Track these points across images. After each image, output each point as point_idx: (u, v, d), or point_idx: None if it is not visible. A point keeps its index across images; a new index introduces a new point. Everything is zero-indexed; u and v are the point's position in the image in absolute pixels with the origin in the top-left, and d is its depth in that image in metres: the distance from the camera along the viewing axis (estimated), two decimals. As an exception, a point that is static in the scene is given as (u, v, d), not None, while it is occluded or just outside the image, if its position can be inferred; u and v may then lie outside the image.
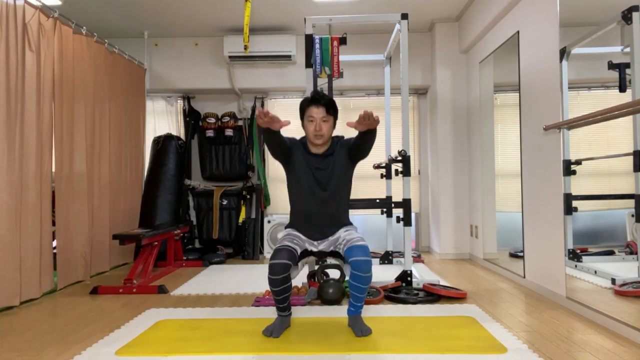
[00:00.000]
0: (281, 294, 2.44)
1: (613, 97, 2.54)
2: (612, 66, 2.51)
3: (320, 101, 2.53)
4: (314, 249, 2.65)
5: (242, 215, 5.36)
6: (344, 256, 2.52)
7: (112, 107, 4.61)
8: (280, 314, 2.56)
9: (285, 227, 2.72)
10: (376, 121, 2.31)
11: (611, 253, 2.65)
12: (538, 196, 3.42)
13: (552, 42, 3.17)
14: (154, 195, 5.09)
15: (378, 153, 5.46)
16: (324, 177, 2.59)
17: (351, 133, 2.62)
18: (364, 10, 4.79)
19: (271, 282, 2.39)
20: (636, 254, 2.40)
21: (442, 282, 3.70)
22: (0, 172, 3.10)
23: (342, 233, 2.63)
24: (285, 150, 2.58)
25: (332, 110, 2.56)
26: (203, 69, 5.58)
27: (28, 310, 3.14)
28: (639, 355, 2.14)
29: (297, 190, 2.64)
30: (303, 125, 2.61)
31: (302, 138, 2.68)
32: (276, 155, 2.59)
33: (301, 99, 2.65)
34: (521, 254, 3.72)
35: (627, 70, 2.39)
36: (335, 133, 2.69)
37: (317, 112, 2.52)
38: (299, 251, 2.56)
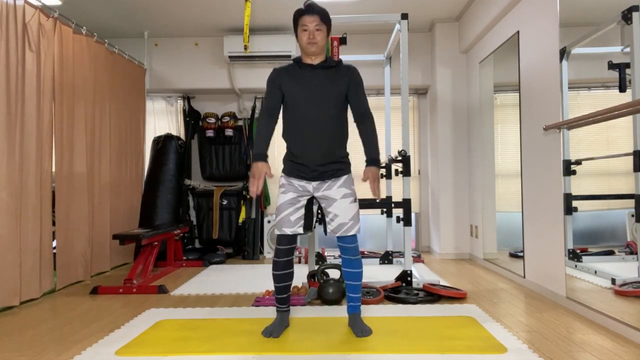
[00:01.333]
0: (282, 281, 2.51)
1: (613, 97, 2.54)
2: (612, 66, 2.51)
3: (314, 10, 2.48)
4: (311, 190, 2.52)
5: (242, 215, 5.36)
6: (331, 235, 2.55)
7: (112, 107, 4.61)
8: (280, 308, 2.57)
9: (280, 176, 2.59)
10: (379, 192, 2.55)
11: (611, 253, 2.65)
12: (538, 196, 3.42)
13: (552, 42, 3.17)
14: (154, 195, 5.09)
15: (378, 153, 5.46)
16: (317, 86, 2.49)
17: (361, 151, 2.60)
18: (364, 10, 4.79)
19: (275, 265, 2.51)
20: (636, 254, 2.40)
21: (442, 282, 3.70)
22: (0, 172, 3.11)
23: (337, 191, 2.50)
24: (277, 113, 2.57)
25: (325, 19, 2.51)
26: (203, 69, 5.58)
27: (28, 310, 3.14)
28: (639, 355, 2.14)
29: (290, 108, 2.53)
30: (297, 37, 2.55)
31: (288, 64, 2.60)
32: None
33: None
34: (521, 254, 3.72)
35: (627, 70, 2.39)
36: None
37: (310, 20, 2.47)
38: (302, 213, 2.50)
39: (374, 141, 2.57)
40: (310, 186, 2.51)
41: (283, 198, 2.51)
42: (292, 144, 2.53)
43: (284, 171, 2.57)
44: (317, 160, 2.47)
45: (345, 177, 2.54)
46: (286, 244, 2.50)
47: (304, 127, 2.48)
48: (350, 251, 2.52)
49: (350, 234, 2.49)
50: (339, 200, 2.49)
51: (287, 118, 2.56)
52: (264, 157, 2.48)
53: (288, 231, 2.47)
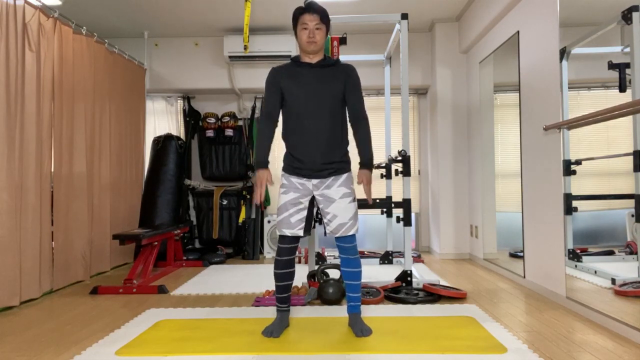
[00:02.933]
0: (283, 280, 2.52)
1: (613, 97, 2.54)
2: (612, 66, 2.51)
3: (313, 9, 2.49)
4: (311, 187, 2.52)
5: (242, 215, 5.36)
6: (330, 236, 2.56)
7: (112, 107, 4.61)
8: (280, 307, 2.57)
9: (281, 175, 2.59)
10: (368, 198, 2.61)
11: (611, 253, 2.65)
12: (538, 196, 3.42)
13: (552, 42, 3.17)
14: (154, 195, 5.09)
15: (378, 153, 5.45)
16: (316, 84, 2.50)
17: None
18: (364, 10, 4.79)
19: (276, 264, 2.53)
20: (636, 254, 2.40)
21: (442, 282, 3.70)
22: (0, 172, 3.11)
23: (336, 190, 2.50)
24: (277, 116, 2.58)
25: (325, 19, 2.52)
26: (203, 69, 5.58)
27: (28, 310, 3.14)
28: (639, 356, 2.14)
29: (290, 108, 2.53)
30: (296, 35, 2.55)
31: (286, 63, 2.61)
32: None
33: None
34: (521, 254, 3.72)
35: (627, 70, 2.39)
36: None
37: (310, 19, 2.48)
38: (303, 215, 2.50)
39: (367, 144, 2.58)
40: (310, 184, 2.51)
41: (284, 199, 2.51)
42: (292, 142, 2.53)
43: (284, 169, 2.57)
44: (317, 158, 2.48)
45: (345, 175, 2.54)
46: (288, 243, 2.51)
47: (304, 126, 2.48)
48: (349, 251, 2.53)
49: (350, 233, 2.50)
50: (338, 200, 2.49)
51: (286, 117, 2.56)
52: (265, 165, 2.51)
53: (287, 232, 2.48)
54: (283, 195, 2.52)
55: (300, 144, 2.49)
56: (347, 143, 2.59)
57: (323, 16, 2.50)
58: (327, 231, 2.53)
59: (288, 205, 2.49)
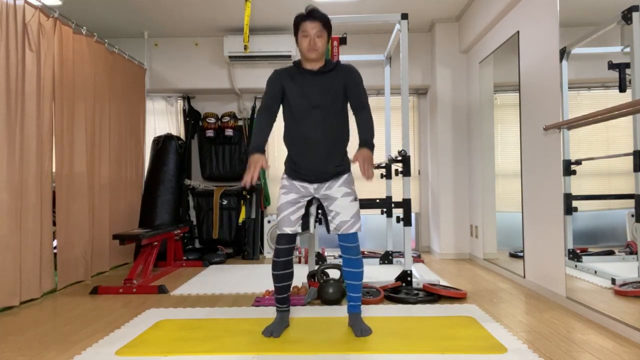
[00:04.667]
0: (282, 281, 2.51)
1: (613, 97, 2.54)
2: (612, 66, 2.51)
3: (315, 16, 2.47)
4: (312, 191, 2.53)
5: (242, 215, 5.36)
6: (334, 233, 2.54)
7: (112, 107, 4.61)
8: (279, 308, 2.57)
9: (282, 178, 2.60)
10: (371, 173, 2.34)
11: (611, 253, 2.65)
12: (538, 196, 3.42)
13: (552, 42, 3.17)
14: (154, 195, 5.09)
15: (378, 153, 5.46)
16: (318, 92, 2.49)
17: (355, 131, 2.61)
18: (364, 10, 4.79)
19: (275, 265, 2.51)
20: (636, 254, 2.40)
21: (442, 282, 3.70)
22: (0, 172, 3.11)
23: (337, 190, 2.51)
24: (276, 111, 2.56)
25: (326, 26, 2.51)
26: (203, 69, 5.58)
27: (28, 310, 3.14)
28: (639, 356, 2.14)
29: (291, 114, 2.53)
30: (297, 41, 2.54)
31: (288, 67, 2.60)
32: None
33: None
34: (521, 254, 3.72)
35: (627, 70, 2.39)
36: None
37: (311, 26, 2.47)
38: (301, 214, 2.51)
39: (369, 126, 2.50)
40: (312, 187, 2.53)
41: (285, 198, 2.52)
42: (293, 148, 2.54)
43: (285, 172, 2.59)
44: (318, 165, 2.49)
45: (345, 176, 2.54)
46: (285, 244, 2.51)
47: (305, 136, 2.49)
48: (352, 250, 2.53)
49: (352, 231, 2.50)
50: (340, 198, 2.50)
51: (288, 122, 2.57)
52: (261, 150, 2.46)
53: (288, 230, 2.49)
54: (284, 195, 2.53)
55: (302, 153, 2.51)
56: (347, 142, 2.58)
57: (324, 23, 2.50)
58: (331, 228, 2.55)
59: (288, 204, 2.51)
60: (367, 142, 2.45)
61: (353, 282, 2.54)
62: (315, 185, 2.53)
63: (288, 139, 2.56)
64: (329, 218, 2.54)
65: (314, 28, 2.47)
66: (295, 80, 2.53)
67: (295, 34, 2.55)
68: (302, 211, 2.54)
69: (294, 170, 2.54)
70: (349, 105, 2.58)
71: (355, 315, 2.54)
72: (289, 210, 2.50)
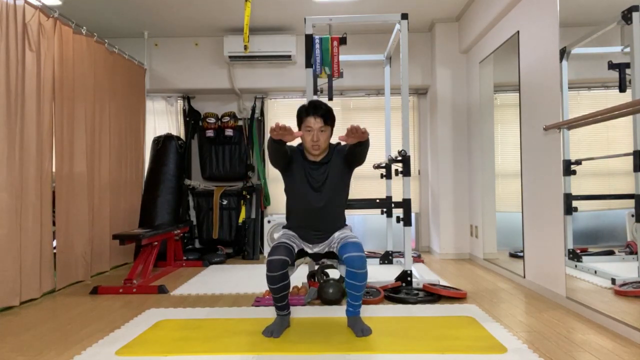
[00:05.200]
0: (279, 292, 2.46)
1: (613, 97, 2.54)
2: (612, 66, 2.51)
3: (318, 112, 2.52)
4: (310, 251, 2.69)
5: (242, 215, 5.36)
6: (338, 254, 2.57)
7: (112, 107, 4.61)
8: (279, 313, 2.57)
9: (282, 228, 2.75)
10: (365, 134, 2.32)
11: (611, 253, 2.65)
12: (538, 196, 3.42)
13: (552, 42, 3.17)
14: (154, 195, 5.09)
15: (378, 153, 5.46)
16: (321, 183, 2.60)
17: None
18: (364, 10, 4.79)
19: (269, 279, 2.41)
20: (636, 254, 2.40)
21: (442, 282, 3.70)
22: (0, 172, 3.11)
23: (336, 234, 2.66)
24: (288, 160, 2.60)
25: (329, 121, 2.56)
26: (203, 69, 5.58)
27: (28, 310, 3.14)
28: (639, 356, 2.14)
29: (294, 195, 2.66)
30: (299, 128, 2.62)
31: (299, 145, 2.68)
32: (277, 165, 2.58)
33: (300, 106, 2.63)
34: (521, 254, 3.72)
35: (627, 70, 2.39)
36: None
37: (314, 122, 2.51)
38: (295, 249, 2.59)
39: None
40: (309, 247, 2.69)
41: (285, 234, 2.65)
42: (294, 218, 2.69)
43: (287, 226, 2.74)
44: (317, 234, 2.65)
45: (342, 228, 2.71)
46: (281, 254, 2.44)
47: (305, 212, 2.63)
48: (359, 277, 2.43)
49: (353, 240, 2.50)
50: (337, 233, 2.66)
51: (289, 195, 2.69)
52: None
53: (288, 242, 2.55)
54: (284, 231, 2.70)
55: (302, 223, 2.66)
56: (345, 206, 2.75)
57: (327, 118, 2.55)
58: (336, 250, 2.60)
59: (284, 237, 2.61)
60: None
61: (355, 292, 2.50)
62: (314, 244, 2.68)
63: (288, 205, 2.71)
64: (335, 250, 2.63)
65: (317, 124, 2.53)
66: (300, 165, 2.62)
67: (299, 125, 2.62)
68: (296, 249, 2.61)
69: (294, 231, 2.69)
70: (349, 166, 2.67)
71: (355, 318, 2.54)
72: (284, 242, 2.55)
